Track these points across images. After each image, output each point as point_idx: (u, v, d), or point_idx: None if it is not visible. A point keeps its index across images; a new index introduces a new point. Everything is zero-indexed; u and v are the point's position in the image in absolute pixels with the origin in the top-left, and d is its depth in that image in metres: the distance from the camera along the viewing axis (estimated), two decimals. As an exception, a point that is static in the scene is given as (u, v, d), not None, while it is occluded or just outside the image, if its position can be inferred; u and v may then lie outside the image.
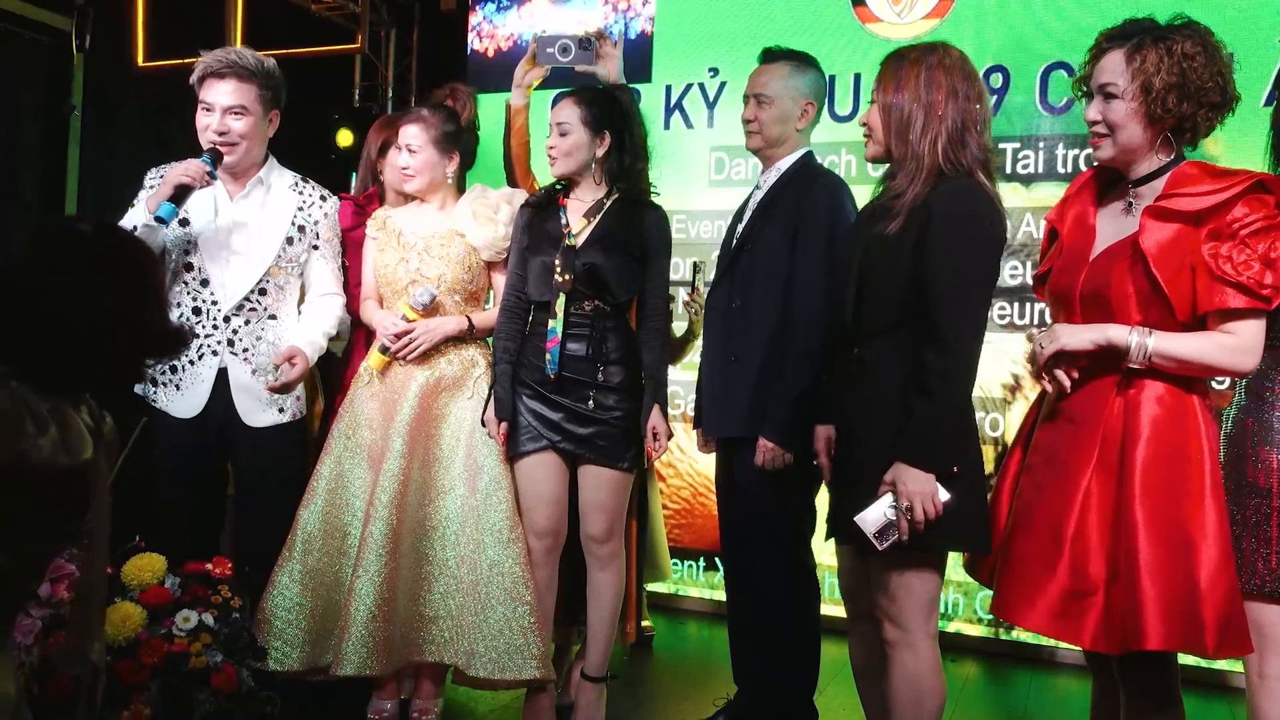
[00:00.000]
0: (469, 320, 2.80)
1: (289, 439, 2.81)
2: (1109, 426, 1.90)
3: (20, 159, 4.90)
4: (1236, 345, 1.83)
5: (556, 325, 2.66)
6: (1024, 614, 1.93)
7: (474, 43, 4.86)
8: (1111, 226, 1.97)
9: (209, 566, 2.48)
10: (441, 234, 2.83)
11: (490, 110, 4.66)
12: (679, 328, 3.57)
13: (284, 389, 2.70)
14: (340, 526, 2.74)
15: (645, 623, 3.72)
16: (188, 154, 2.76)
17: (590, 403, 2.68)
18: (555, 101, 2.77)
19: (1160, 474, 1.85)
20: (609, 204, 2.74)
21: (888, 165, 2.13)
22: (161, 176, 2.68)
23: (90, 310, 1.52)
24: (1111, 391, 1.91)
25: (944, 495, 1.95)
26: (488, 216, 2.82)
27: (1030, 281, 3.81)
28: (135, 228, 2.55)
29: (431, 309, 2.76)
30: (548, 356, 2.66)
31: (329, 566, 2.72)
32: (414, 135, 2.80)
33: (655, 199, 2.83)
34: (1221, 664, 3.46)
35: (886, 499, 1.98)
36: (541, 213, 2.76)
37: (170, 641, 2.31)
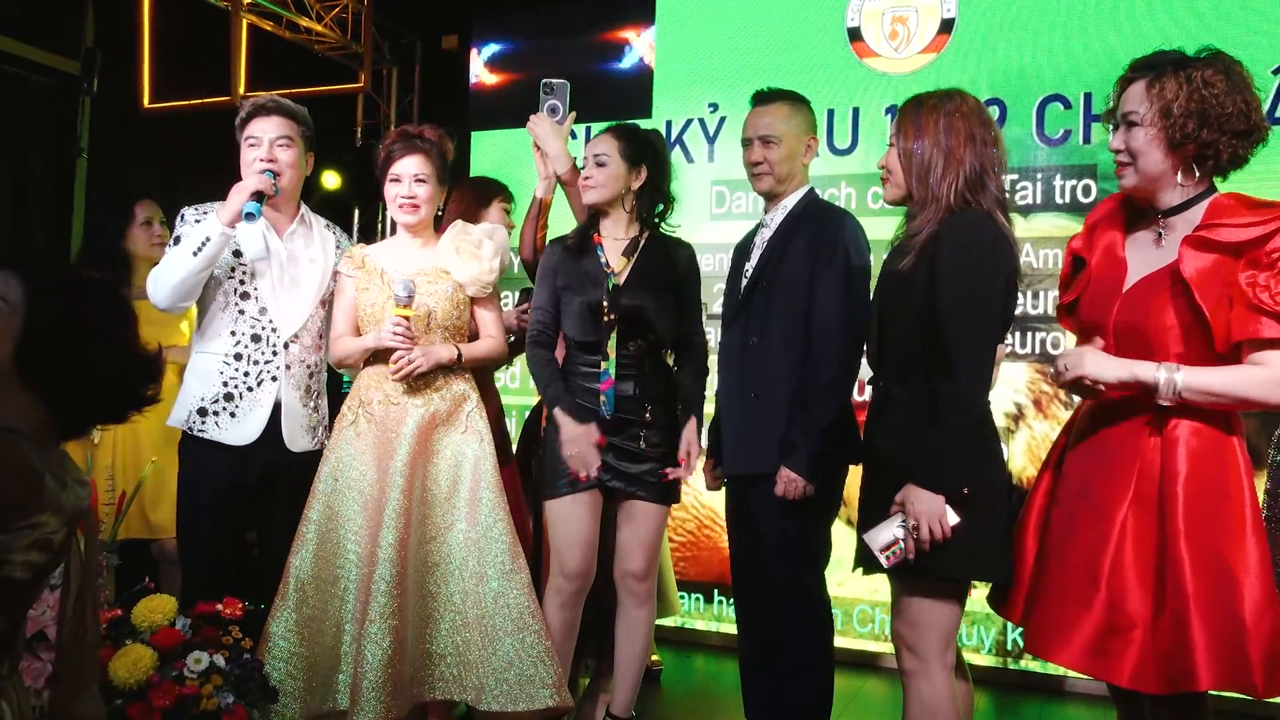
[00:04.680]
0: (459, 350, 2.75)
1: (315, 466, 2.82)
2: (1146, 460, 1.87)
3: (29, 199, 4.94)
4: (1269, 378, 1.79)
5: (610, 366, 2.69)
6: (1058, 650, 1.90)
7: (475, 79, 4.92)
8: (1142, 258, 1.96)
9: (219, 607, 2.48)
10: (428, 271, 2.77)
11: (488, 147, 4.76)
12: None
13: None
14: (332, 570, 2.66)
15: (653, 657, 3.71)
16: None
17: (641, 441, 2.71)
18: (591, 136, 2.84)
19: (1202, 510, 1.82)
20: (644, 242, 2.77)
21: (904, 205, 2.19)
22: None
23: (109, 339, 1.53)
24: (1147, 425, 1.89)
25: (953, 518, 1.98)
26: (471, 252, 2.78)
27: (1030, 311, 3.84)
28: (207, 239, 2.61)
29: (412, 301, 2.66)
30: (602, 398, 2.68)
31: (323, 612, 2.64)
32: (419, 166, 2.74)
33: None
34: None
35: (897, 519, 2.03)
36: (575, 252, 2.76)
37: (181, 684, 2.30)
